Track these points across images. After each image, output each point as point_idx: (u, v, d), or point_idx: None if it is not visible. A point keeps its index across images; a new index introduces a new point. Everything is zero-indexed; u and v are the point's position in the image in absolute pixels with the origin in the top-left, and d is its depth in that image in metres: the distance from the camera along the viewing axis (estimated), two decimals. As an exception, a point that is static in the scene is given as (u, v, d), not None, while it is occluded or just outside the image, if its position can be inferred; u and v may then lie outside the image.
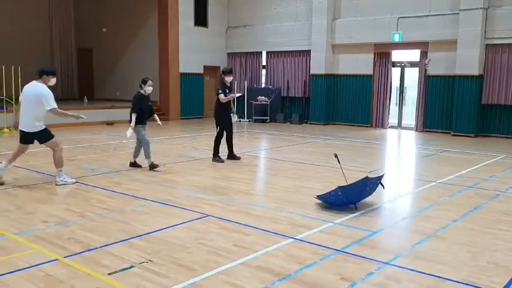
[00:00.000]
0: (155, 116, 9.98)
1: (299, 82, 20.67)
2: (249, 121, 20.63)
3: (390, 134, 17.67)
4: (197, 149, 12.60)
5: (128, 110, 9.64)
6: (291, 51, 20.67)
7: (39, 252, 5.03)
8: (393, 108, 19.03)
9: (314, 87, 19.97)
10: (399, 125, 18.86)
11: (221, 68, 22.27)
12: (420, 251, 5.26)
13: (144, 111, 9.56)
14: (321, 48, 19.46)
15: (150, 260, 4.82)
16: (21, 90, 8.17)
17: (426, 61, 17.39)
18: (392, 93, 18.86)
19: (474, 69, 16.12)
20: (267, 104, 20.59)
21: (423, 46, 17.44)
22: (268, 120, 20.68)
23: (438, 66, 17.16)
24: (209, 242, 5.37)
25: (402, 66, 18.71)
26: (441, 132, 17.12)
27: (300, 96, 20.67)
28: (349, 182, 6.95)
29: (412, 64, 18.36)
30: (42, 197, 7.41)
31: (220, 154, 10.69)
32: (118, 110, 18.26)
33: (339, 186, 6.69)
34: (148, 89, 9.61)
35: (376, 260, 4.91)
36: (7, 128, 15.13)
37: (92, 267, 4.62)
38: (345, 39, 19.12)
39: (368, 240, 5.57)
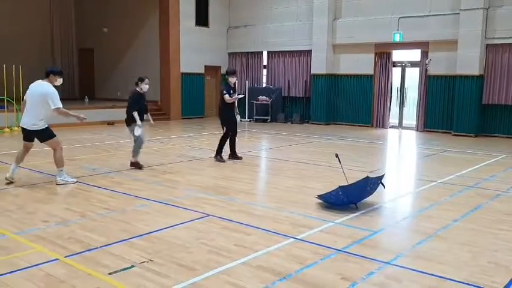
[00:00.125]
0: (149, 115, 9.97)
1: (300, 82, 20.67)
2: (250, 121, 20.63)
3: (391, 133, 17.66)
4: (198, 148, 12.60)
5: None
6: (292, 51, 20.67)
7: (40, 251, 5.03)
8: (394, 108, 19.03)
9: (315, 87, 19.97)
10: (400, 125, 18.85)
11: (224, 68, 22.53)
12: (421, 250, 5.26)
13: (141, 110, 9.57)
14: (322, 48, 19.46)
15: (151, 260, 4.81)
16: (22, 90, 8.18)
17: (427, 61, 17.38)
18: (392, 93, 18.86)
19: (474, 69, 16.11)
20: (268, 104, 20.59)
21: (424, 46, 17.44)
22: (269, 120, 20.68)
23: (438, 66, 17.16)
24: (210, 242, 5.37)
25: (403, 66, 18.70)
26: (442, 132, 17.12)
27: (301, 96, 20.68)
28: (350, 182, 6.94)
29: (413, 64, 18.35)
30: (43, 196, 7.41)
31: (222, 154, 10.69)
32: (119, 110, 18.17)
33: (340, 186, 6.69)
34: (145, 87, 9.62)
35: (377, 260, 4.91)
36: (8, 127, 15.14)
37: (92, 267, 4.62)
38: (345, 39, 19.12)
39: (368, 240, 5.57)
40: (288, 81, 20.91)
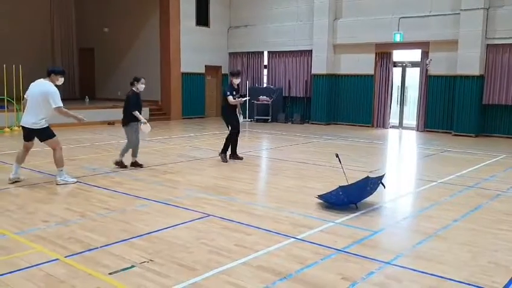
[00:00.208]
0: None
1: (300, 82, 20.68)
2: (251, 121, 20.63)
3: (392, 133, 17.66)
4: (199, 148, 12.60)
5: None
6: (293, 51, 20.68)
7: (40, 251, 5.03)
8: (395, 108, 19.04)
9: (315, 87, 19.97)
10: (401, 125, 18.85)
11: (225, 68, 22.60)
12: (421, 250, 5.26)
13: (139, 110, 9.60)
14: (323, 48, 19.46)
15: (151, 260, 4.82)
16: (22, 90, 8.18)
17: (428, 61, 17.38)
18: (393, 93, 18.87)
19: (475, 69, 16.11)
20: (269, 104, 20.59)
21: (425, 46, 17.44)
22: (269, 120, 20.68)
23: (439, 66, 17.16)
24: (210, 242, 5.37)
25: (404, 66, 18.70)
26: (442, 132, 17.12)
27: (302, 96, 20.68)
28: (350, 182, 6.95)
29: (413, 64, 18.36)
30: (43, 196, 7.42)
31: (226, 154, 10.69)
32: (119, 110, 18.15)
33: (340, 186, 6.69)
34: (141, 87, 9.64)
35: (377, 260, 4.91)
36: (8, 127, 15.14)
37: (92, 267, 4.62)
38: (346, 39, 19.12)
39: (368, 240, 5.57)
40: (289, 81, 20.91)
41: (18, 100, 13.71)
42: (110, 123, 18.09)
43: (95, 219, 6.24)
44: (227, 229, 5.87)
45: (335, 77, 19.79)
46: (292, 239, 5.52)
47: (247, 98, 13.45)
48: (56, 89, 7.88)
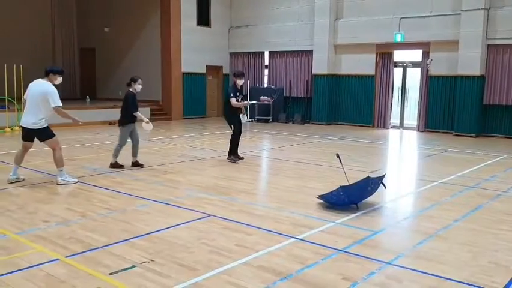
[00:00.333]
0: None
1: (301, 82, 20.68)
2: (252, 121, 20.62)
3: (392, 134, 17.66)
4: (199, 148, 12.60)
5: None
6: (294, 51, 20.68)
7: (40, 251, 5.04)
8: (395, 108, 19.04)
9: (316, 87, 19.97)
10: (401, 125, 18.86)
11: (226, 68, 22.61)
12: (421, 250, 5.26)
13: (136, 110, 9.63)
14: (323, 48, 19.46)
15: (152, 260, 4.82)
16: (23, 90, 8.19)
17: (428, 61, 17.38)
18: (394, 93, 18.87)
19: (476, 70, 16.11)
20: (270, 104, 20.59)
21: (425, 46, 17.44)
22: (270, 120, 20.68)
23: (440, 67, 17.15)
24: (211, 242, 5.37)
25: (404, 66, 18.70)
26: (443, 132, 17.11)
27: (303, 96, 20.68)
28: (351, 182, 6.94)
29: (414, 64, 18.35)
30: (44, 196, 7.42)
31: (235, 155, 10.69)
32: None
33: (340, 186, 6.69)
34: (138, 87, 9.66)
35: (377, 260, 4.91)
36: (9, 127, 15.15)
37: (93, 267, 4.62)
38: (347, 39, 19.12)
39: (369, 240, 5.57)
40: (290, 82, 20.91)
41: (19, 100, 13.71)
42: (111, 123, 18.07)
43: (95, 219, 6.24)
44: (228, 229, 5.87)
45: (336, 77, 19.79)
46: (293, 239, 5.53)
47: (254, 102, 13.34)
48: (54, 88, 7.88)
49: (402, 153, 13.98)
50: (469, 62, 16.12)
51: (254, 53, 22.02)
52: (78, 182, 8.27)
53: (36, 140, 8.09)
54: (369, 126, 19.00)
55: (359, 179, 7.04)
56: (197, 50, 21.07)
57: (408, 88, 18.75)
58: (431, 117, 17.65)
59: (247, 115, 11.62)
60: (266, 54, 21.77)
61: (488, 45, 16.05)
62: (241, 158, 10.83)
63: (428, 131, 17.61)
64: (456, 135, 16.54)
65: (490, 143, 14.78)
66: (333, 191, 6.81)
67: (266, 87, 21.32)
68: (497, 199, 7.69)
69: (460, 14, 16.19)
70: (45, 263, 4.72)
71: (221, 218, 6.32)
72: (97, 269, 4.59)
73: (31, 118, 7.84)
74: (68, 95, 22.78)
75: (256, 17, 21.77)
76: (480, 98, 16.29)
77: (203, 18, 21.59)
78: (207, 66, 21.84)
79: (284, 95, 21.01)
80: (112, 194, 7.62)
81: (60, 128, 11.75)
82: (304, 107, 20.68)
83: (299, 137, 15.53)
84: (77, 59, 24.79)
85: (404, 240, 5.83)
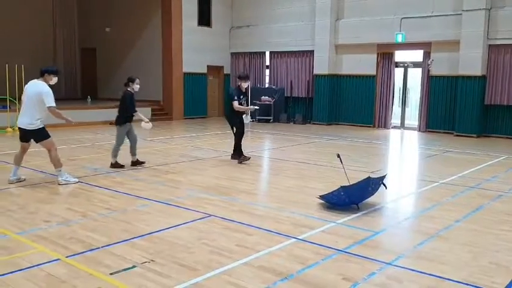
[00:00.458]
0: None
1: (302, 82, 20.67)
2: (253, 121, 20.62)
3: (393, 134, 17.65)
4: (200, 148, 12.60)
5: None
6: (295, 51, 20.67)
7: (41, 251, 5.04)
8: (396, 108, 19.03)
9: (317, 87, 19.96)
10: (402, 125, 18.85)
11: (228, 69, 22.61)
12: (422, 251, 5.25)
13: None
14: (325, 49, 19.45)
15: (152, 260, 4.82)
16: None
17: (429, 61, 17.37)
18: (395, 94, 18.87)
19: (477, 70, 16.10)
20: (271, 104, 20.58)
21: (426, 46, 17.42)
22: (271, 120, 20.67)
23: (441, 67, 17.14)
24: (211, 242, 5.38)
25: (405, 66, 18.70)
26: (444, 133, 17.10)
27: (304, 96, 20.68)
28: (351, 182, 6.94)
29: (415, 64, 18.34)
30: (45, 196, 7.43)
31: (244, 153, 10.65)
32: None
33: (341, 186, 6.69)
34: (136, 87, 9.70)
35: (378, 260, 4.91)
36: (10, 127, 15.16)
37: (94, 267, 4.62)
38: (348, 40, 19.11)
39: (370, 241, 5.56)
40: (291, 82, 20.90)
41: (20, 100, 13.70)
42: (112, 123, 18.05)
43: (96, 219, 6.24)
44: (228, 229, 5.87)
45: (337, 77, 19.78)
46: (294, 239, 5.52)
47: (257, 107, 13.31)
48: (49, 89, 7.90)
49: (403, 154, 13.97)
50: (470, 62, 16.11)
51: (255, 53, 22.01)
52: (79, 182, 8.28)
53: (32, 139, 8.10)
54: (370, 127, 18.99)
55: (359, 179, 7.05)
56: (198, 50, 21.07)
57: (409, 88, 18.74)
58: (432, 117, 17.64)
59: (249, 115, 11.60)
60: (267, 54, 21.76)
61: (490, 45, 16.03)
62: (248, 158, 10.68)
63: (429, 131, 17.60)
64: (457, 135, 16.53)
65: (491, 144, 14.77)
66: (334, 191, 6.81)
67: (267, 88, 21.31)
68: (498, 200, 7.68)
69: (461, 14, 16.18)
70: (46, 263, 4.72)
71: (222, 218, 6.33)
72: (98, 269, 4.59)
73: (27, 119, 7.86)
74: (69, 95, 22.82)
75: (257, 17, 21.76)
76: (481, 98, 16.28)
77: (204, 18, 21.59)
78: (208, 66, 21.84)
79: (285, 95, 20.99)
80: (113, 194, 7.62)
81: (62, 128, 11.76)
82: (305, 107, 20.67)
83: (300, 137, 15.52)
84: (78, 59, 24.78)
85: (404, 240, 5.83)
